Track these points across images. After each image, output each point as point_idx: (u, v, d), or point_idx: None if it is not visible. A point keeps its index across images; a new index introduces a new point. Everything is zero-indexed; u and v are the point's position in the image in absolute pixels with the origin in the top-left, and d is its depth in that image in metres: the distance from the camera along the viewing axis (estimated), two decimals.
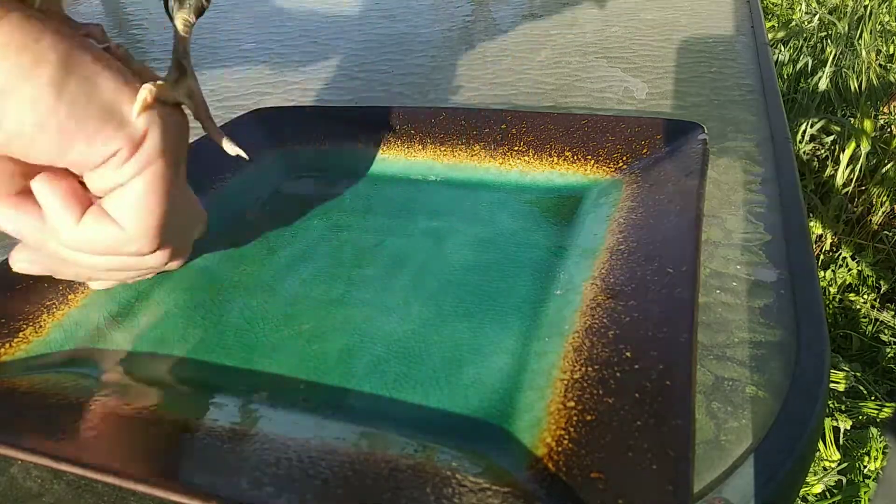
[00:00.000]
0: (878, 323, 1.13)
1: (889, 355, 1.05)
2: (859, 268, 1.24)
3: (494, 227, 0.39)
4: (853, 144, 1.36)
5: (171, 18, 0.30)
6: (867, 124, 1.35)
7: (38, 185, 0.26)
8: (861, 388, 0.96)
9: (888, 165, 1.35)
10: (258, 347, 0.32)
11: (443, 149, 0.46)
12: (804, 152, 1.50)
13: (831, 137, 1.49)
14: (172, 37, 0.30)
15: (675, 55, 0.65)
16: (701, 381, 0.29)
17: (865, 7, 1.70)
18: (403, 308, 0.34)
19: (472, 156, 0.45)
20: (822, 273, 1.24)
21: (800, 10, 1.97)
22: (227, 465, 0.24)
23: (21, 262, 0.30)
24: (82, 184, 0.27)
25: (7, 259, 0.30)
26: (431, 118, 0.47)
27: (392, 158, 0.46)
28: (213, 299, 0.35)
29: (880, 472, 0.83)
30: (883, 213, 1.32)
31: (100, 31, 0.27)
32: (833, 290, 1.22)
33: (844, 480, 0.84)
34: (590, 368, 0.27)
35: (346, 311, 0.34)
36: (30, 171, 0.25)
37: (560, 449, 0.24)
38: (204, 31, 0.87)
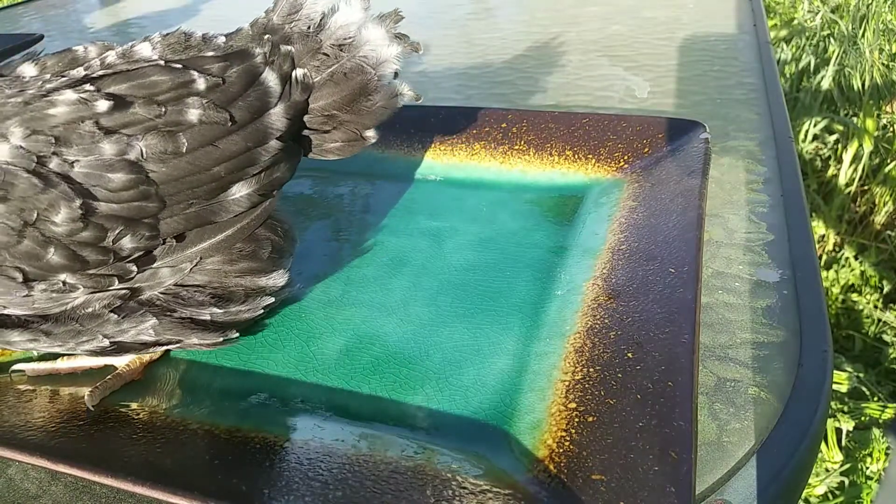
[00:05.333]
0: (881, 323, 1.12)
1: (892, 356, 1.05)
2: (862, 268, 1.23)
3: (495, 226, 0.39)
4: (856, 144, 1.36)
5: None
6: (870, 124, 1.34)
7: None
8: (864, 388, 0.95)
9: (891, 165, 1.34)
10: (256, 347, 0.32)
11: (443, 148, 0.46)
12: (807, 151, 1.49)
13: (834, 137, 1.48)
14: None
15: (676, 54, 0.65)
16: (703, 381, 0.29)
17: (868, 6, 1.70)
18: (403, 309, 0.33)
19: (472, 155, 0.45)
20: (824, 273, 1.24)
21: (802, 8, 1.97)
22: (226, 467, 0.24)
23: None
24: None
25: None
26: (431, 117, 0.47)
27: (392, 158, 0.46)
28: None
29: (883, 473, 0.83)
30: (886, 212, 1.31)
31: None
32: (836, 290, 1.21)
33: (847, 482, 0.83)
34: (591, 369, 0.27)
35: (346, 312, 0.34)
36: None
37: (561, 451, 0.24)
38: (203, 29, 0.86)
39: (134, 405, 0.28)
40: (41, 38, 0.75)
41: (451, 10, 0.88)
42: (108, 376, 0.29)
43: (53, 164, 0.24)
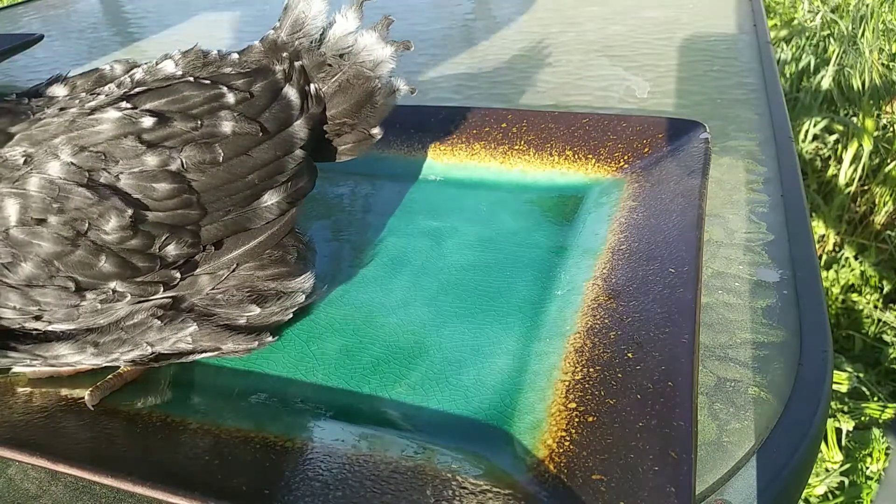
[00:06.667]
0: (880, 323, 1.12)
1: (892, 356, 1.05)
2: (862, 268, 1.23)
3: (495, 226, 0.39)
4: (856, 144, 1.36)
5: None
6: (869, 123, 1.34)
7: None
8: (864, 388, 0.95)
9: (891, 165, 1.34)
10: None
11: (443, 148, 0.46)
12: (807, 151, 1.49)
13: (834, 137, 1.49)
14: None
15: (676, 54, 0.65)
16: (703, 382, 0.29)
17: (868, 6, 1.70)
18: (403, 309, 0.33)
19: (472, 155, 0.45)
20: (824, 273, 1.24)
21: (802, 8, 1.97)
22: (226, 467, 0.24)
23: None
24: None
25: None
26: (431, 117, 0.47)
27: (392, 158, 0.46)
28: None
29: (883, 473, 0.83)
30: (886, 212, 1.32)
31: None
32: (836, 290, 1.21)
33: (847, 482, 0.83)
34: (591, 370, 0.27)
35: (346, 312, 0.34)
36: None
37: (561, 451, 0.24)
38: (202, 29, 0.86)
39: (134, 405, 0.28)
40: (41, 38, 0.74)
41: (451, 11, 0.88)
42: (109, 376, 0.29)
43: (103, 177, 0.25)
